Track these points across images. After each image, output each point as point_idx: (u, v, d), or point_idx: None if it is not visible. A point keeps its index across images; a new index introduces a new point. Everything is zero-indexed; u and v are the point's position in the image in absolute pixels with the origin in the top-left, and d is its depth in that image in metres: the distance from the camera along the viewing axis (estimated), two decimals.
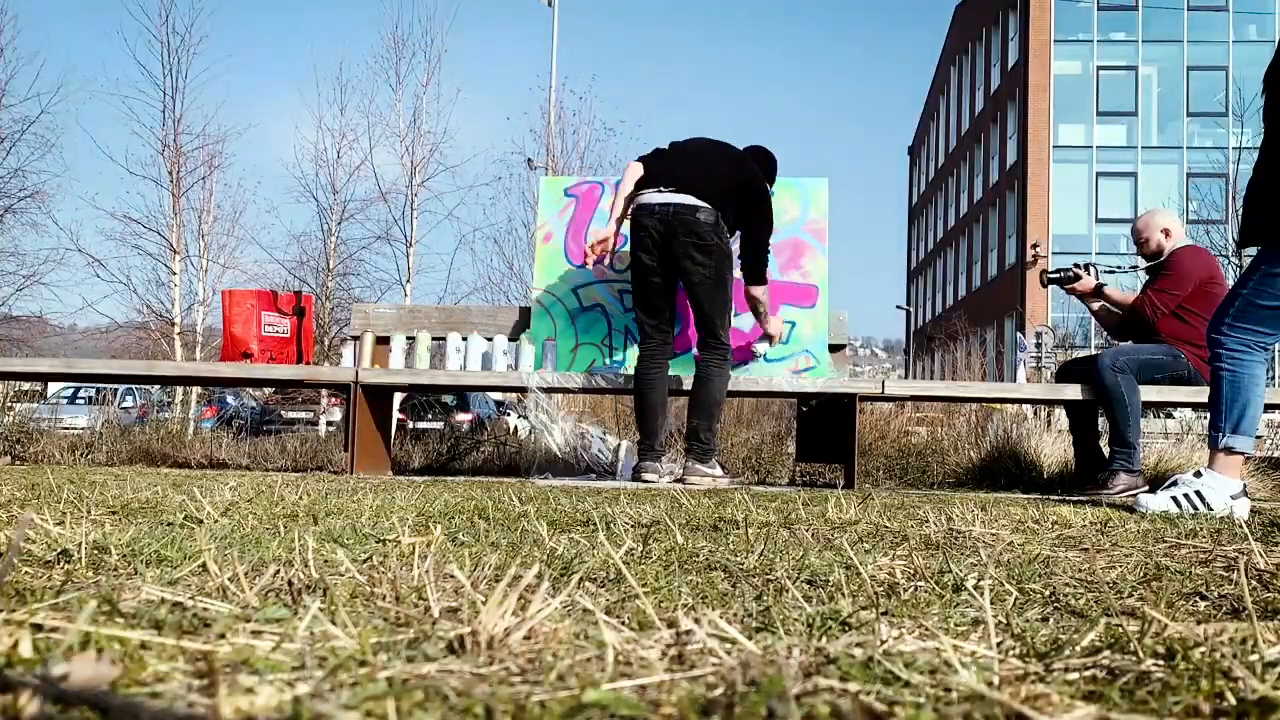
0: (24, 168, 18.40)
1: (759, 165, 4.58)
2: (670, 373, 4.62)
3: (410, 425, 10.83)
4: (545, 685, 0.70)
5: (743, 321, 4.96)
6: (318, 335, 17.19)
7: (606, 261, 4.64)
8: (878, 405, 6.68)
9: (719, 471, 4.35)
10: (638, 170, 4.40)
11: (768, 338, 4.83)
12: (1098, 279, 4.73)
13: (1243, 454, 2.90)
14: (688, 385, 4.59)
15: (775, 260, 5.00)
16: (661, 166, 4.37)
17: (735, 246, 4.55)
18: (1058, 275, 4.82)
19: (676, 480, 4.28)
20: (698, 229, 4.21)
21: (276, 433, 11.00)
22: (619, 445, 5.10)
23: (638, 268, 4.35)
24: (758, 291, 4.55)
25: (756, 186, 4.46)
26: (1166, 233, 4.58)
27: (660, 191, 4.25)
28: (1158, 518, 2.53)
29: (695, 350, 4.61)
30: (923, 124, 53.29)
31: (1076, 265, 4.77)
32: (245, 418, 15.08)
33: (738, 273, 4.55)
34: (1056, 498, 3.68)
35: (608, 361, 5.05)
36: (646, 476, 4.26)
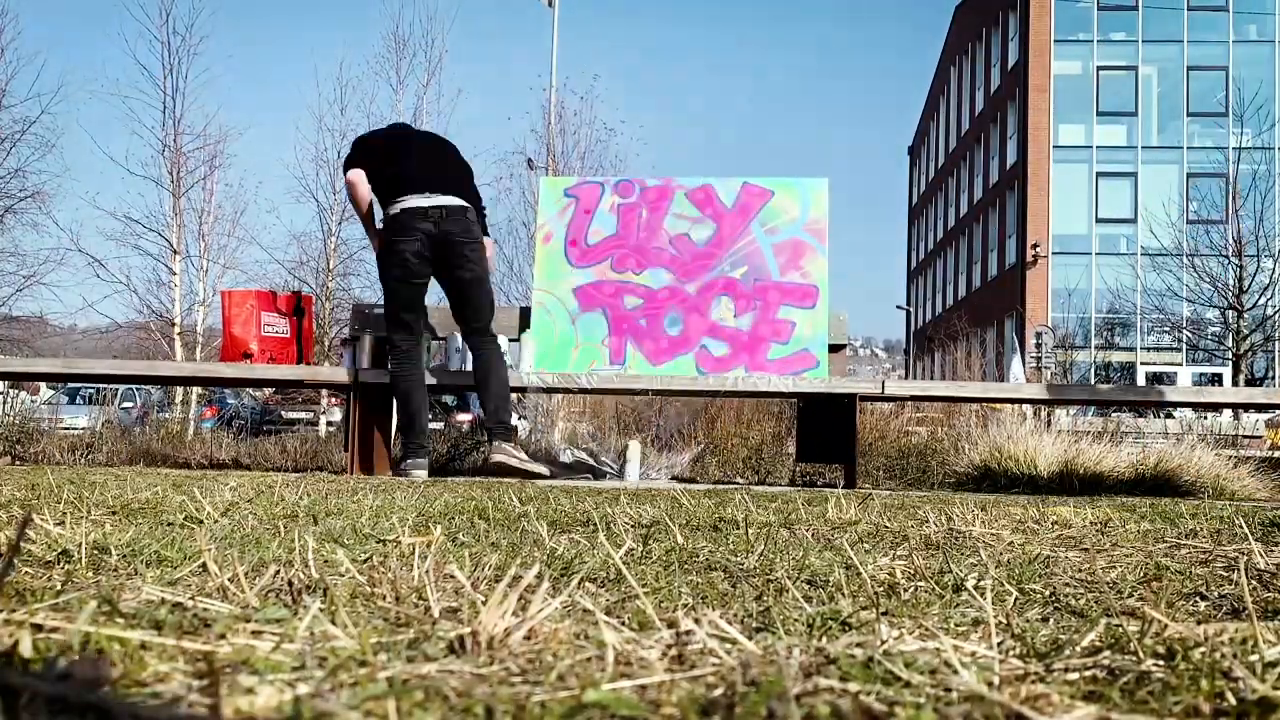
0: (24, 168, 18.43)
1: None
2: (663, 374, 4.71)
3: None
4: (545, 685, 0.70)
5: (743, 321, 4.96)
6: (318, 335, 17.17)
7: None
8: (878, 405, 6.67)
9: (523, 454, 4.48)
10: (362, 178, 4.55)
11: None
12: None
13: None
14: (683, 385, 4.65)
15: (775, 260, 5.01)
16: (402, 169, 4.50)
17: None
18: None
19: (496, 462, 4.39)
20: (470, 228, 4.46)
21: (276, 433, 11.00)
22: (625, 447, 5.11)
23: (403, 271, 4.45)
24: (488, 242, 4.76)
25: (463, 158, 4.73)
26: None
27: (426, 196, 4.42)
28: (1158, 517, 2.53)
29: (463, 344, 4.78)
30: (923, 124, 53.29)
31: None
32: (245, 418, 15.08)
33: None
34: (1056, 498, 3.68)
35: (609, 362, 5.06)
36: (415, 473, 4.38)
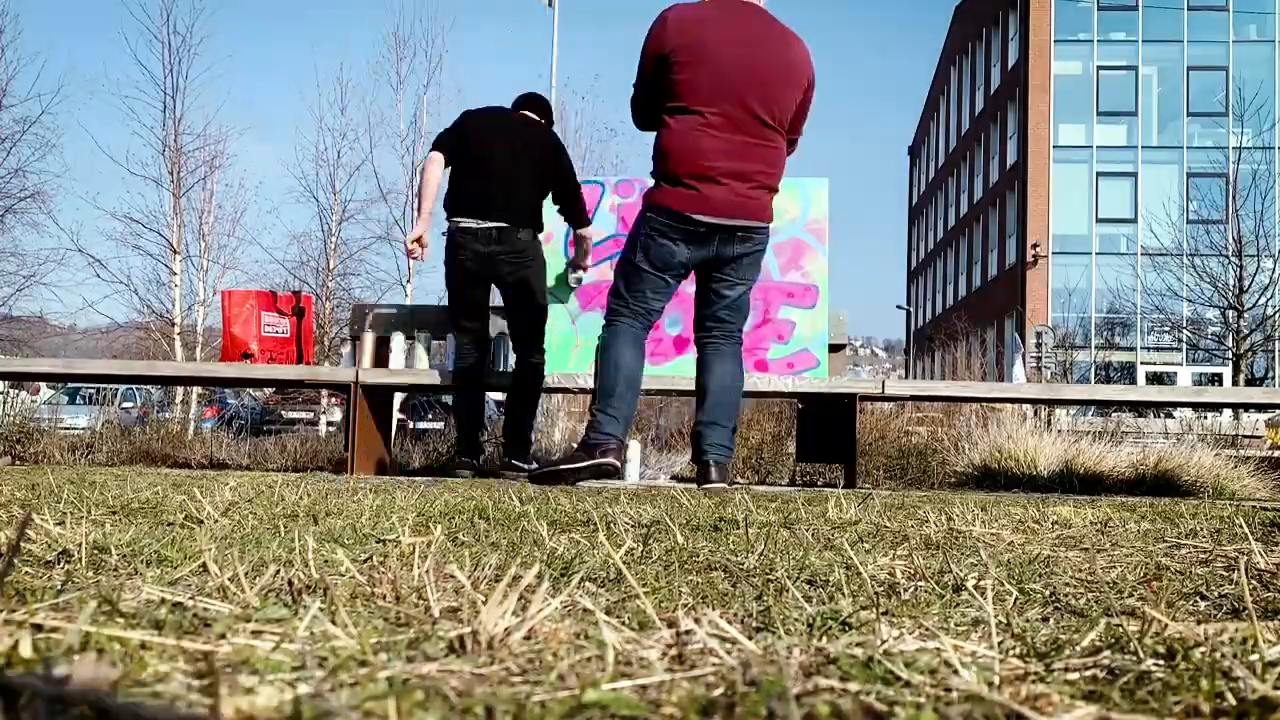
0: (24, 168, 18.44)
1: (542, 114, 4.83)
2: (663, 373, 4.76)
3: (410, 425, 10.83)
4: (545, 685, 0.70)
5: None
6: (318, 335, 17.19)
7: (420, 257, 4.83)
8: (878, 405, 6.67)
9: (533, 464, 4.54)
10: (437, 166, 4.54)
11: (579, 269, 5.04)
12: None
13: None
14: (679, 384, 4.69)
15: (775, 260, 5.00)
16: (471, 184, 4.50)
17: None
18: None
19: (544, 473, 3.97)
20: (518, 247, 4.51)
21: (277, 433, 11.00)
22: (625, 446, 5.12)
23: (457, 281, 4.55)
24: (586, 232, 4.83)
25: (553, 144, 4.70)
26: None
27: (481, 221, 4.46)
28: (1158, 517, 2.53)
29: (517, 358, 4.78)
30: (923, 124, 53.30)
31: None
32: (245, 418, 15.07)
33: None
34: (1057, 497, 3.68)
35: None
36: (460, 471, 4.48)
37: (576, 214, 4.77)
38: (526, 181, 4.57)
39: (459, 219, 4.49)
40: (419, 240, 4.64)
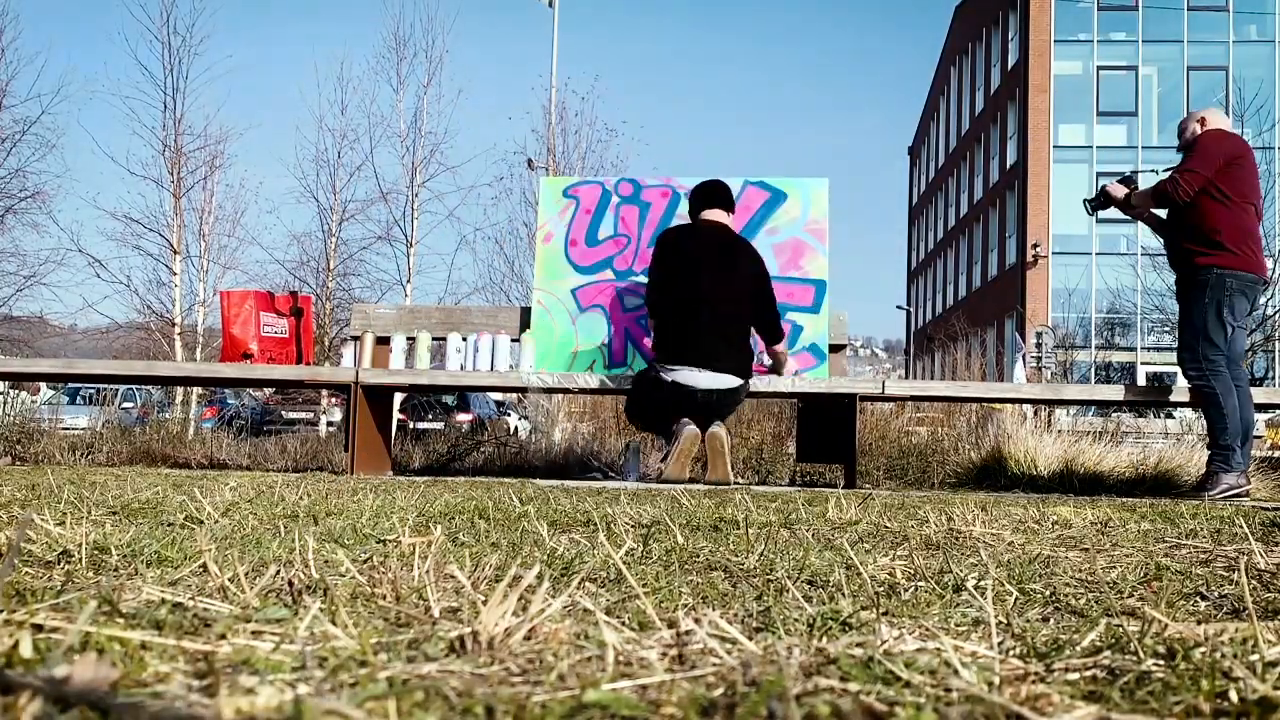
0: (24, 168, 18.37)
1: (727, 209, 4.58)
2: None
3: (411, 425, 10.83)
4: (546, 685, 0.70)
5: None
6: (318, 335, 17.18)
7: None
8: (878, 405, 6.67)
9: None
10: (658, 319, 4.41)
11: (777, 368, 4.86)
12: (1135, 187, 4.65)
13: None
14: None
15: (775, 260, 5.00)
16: (689, 328, 4.30)
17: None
18: (1096, 201, 4.79)
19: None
20: (738, 399, 4.42)
21: (277, 433, 11.00)
22: (626, 445, 5.11)
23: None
24: (779, 348, 4.66)
25: (760, 274, 4.48)
26: (1203, 121, 4.50)
27: (703, 374, 4.27)
28: (1158, 517, 2.52)
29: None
30: (923, 124, 53.28)
31: (1122, 177, 4.70)
32: (246, 418, 15.06)
33: None
34: (1058, 497, 3.68)
35: (609, 363, 5.05)
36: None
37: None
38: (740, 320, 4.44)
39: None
40: None
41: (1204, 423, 4.61)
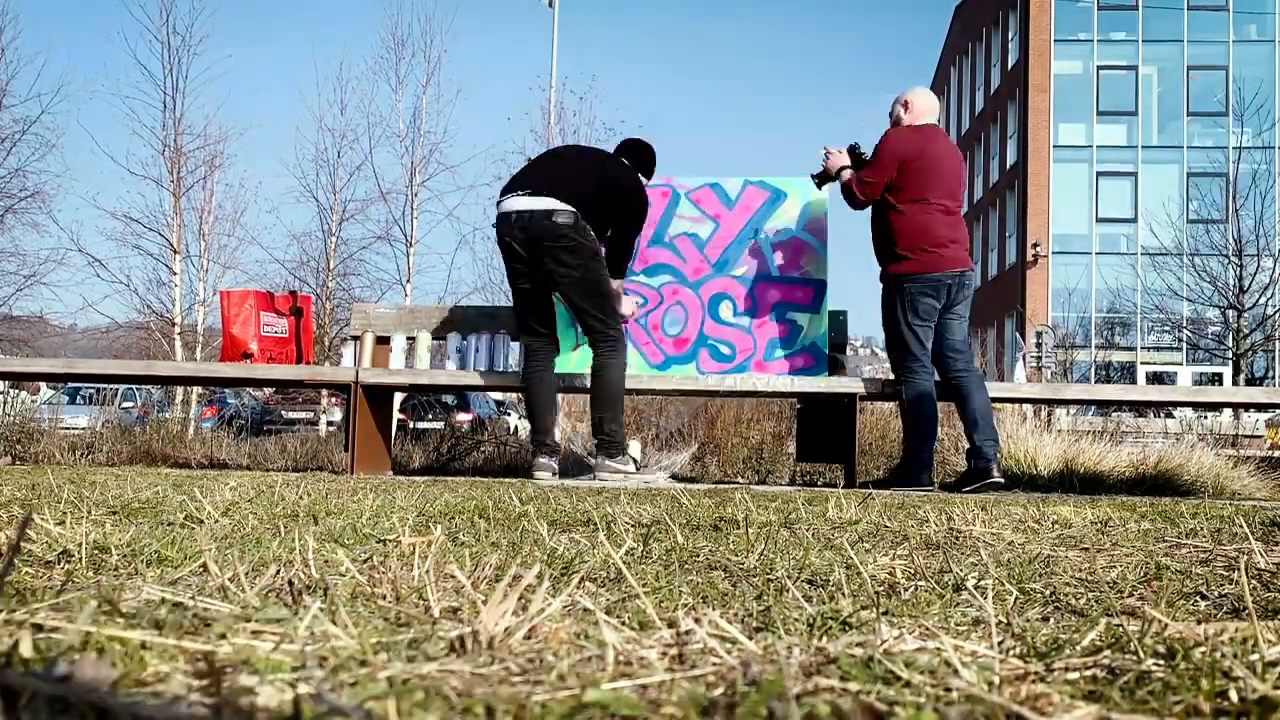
0: (24, 168, 18.39)
1: (632, 159, 4.67)
2: (663, 374, 4.74)
3: (410, 425, 10.83)
4: (546, 685, 0.70)
5: (743, 321, 4.96)
6: (318, 335, 17.18)
7: None
8: (878, 405, 6.67)
9: (631, 467, 4.38)
10: None
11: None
12: (862, 155, 4.56)
13: None
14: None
15: (776, 260, 5.00)
16: (520, 173, 4.50)
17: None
18: (820, 176, 4.75)
19: (599, 478, 4.31)
20: (556, 231, 4.25)
21: (277, 433, 11.01)
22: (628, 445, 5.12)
23: (510, 273, 4.45)
24: (614, 284, 4.58)
25: (622, 182, 4.51)
26: (906, 105, 4.45)
27: (517, 196, 4.31)
28: (1158, 517, 2.52)
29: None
30: None
31: (849, 147, 4.64)
32: (246, 418, 15.06)
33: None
34: (1056, 496, 3.68)
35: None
36: (538, 475, 4.32)
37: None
38: (578, 176, 4.44)
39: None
40: None
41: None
